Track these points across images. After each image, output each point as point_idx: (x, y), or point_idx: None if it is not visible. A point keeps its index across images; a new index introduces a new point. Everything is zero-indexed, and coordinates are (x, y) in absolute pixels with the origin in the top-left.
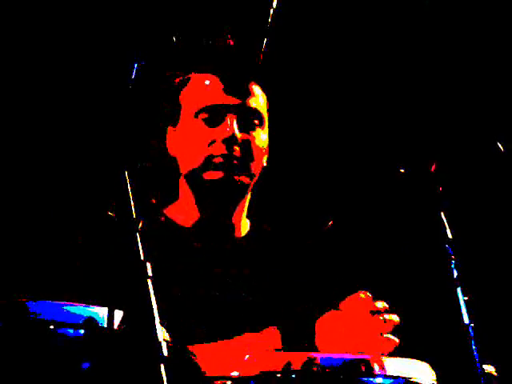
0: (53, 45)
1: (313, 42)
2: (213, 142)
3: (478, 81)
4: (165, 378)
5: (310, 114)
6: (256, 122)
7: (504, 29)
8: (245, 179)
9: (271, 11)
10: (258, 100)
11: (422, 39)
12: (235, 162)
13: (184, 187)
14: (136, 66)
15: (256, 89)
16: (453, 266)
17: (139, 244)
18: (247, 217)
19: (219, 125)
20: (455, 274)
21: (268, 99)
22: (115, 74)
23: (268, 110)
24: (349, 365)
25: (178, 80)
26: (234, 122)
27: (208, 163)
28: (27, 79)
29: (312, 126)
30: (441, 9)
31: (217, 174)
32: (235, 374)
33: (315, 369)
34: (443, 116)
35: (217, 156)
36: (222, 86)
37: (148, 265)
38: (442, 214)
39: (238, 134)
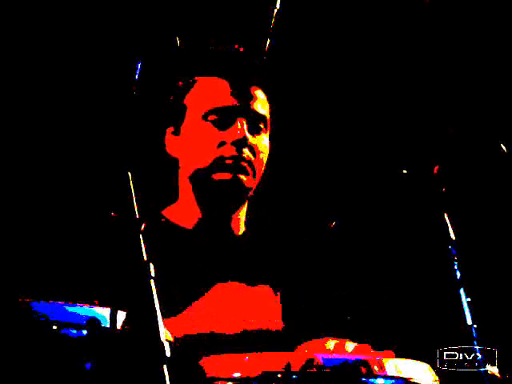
0: (57, 47)
1: (315, 45)
2: (222, 143)
3: (480, 82)
4: (167, 379)
5: (314, 115)
6: (261, 125)
7: (506, 29)
8: (251, 181)
9: (274, 15)
10: (264, 104)
11: (425, 41)
12: (243, 163)
13: (185, 188)
14: (139, 67)
15: (260, 93)
16: (456, 266)
17: (142, 244)
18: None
19: (229, 127)
20: (458, 274)
21: (271, 102)
22: (119, 76)
23: (271, 114)
24: (349, 365)
25: (181, 82)
26: (245, 124)
27: (217, 164)
28: (30, 81)
29: (316, 127)
30: (443, 9)
31: (225, 175)
32: (237, 374)
33: (316, 369)
34: (446, 117)
35: (227, 158)
36: (230, 90)
37: (151, 265)
38: (445, 214)
39: (249, 137)
